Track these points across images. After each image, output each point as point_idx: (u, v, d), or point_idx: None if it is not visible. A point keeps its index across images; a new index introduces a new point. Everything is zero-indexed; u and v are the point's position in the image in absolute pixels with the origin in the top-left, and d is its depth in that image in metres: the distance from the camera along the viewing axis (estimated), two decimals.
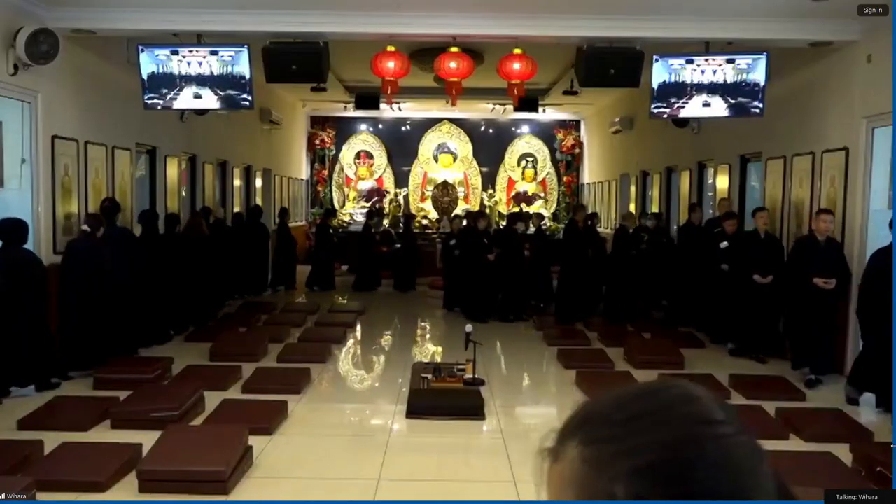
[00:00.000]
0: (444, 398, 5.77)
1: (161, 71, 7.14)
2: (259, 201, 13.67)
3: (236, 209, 12.31)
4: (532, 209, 16.92)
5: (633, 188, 13.86)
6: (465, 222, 11.10)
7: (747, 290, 7.25)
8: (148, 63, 7.13)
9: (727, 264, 7.76)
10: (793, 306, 6.71)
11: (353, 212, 16.86)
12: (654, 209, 12.06)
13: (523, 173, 17.51)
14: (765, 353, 7.30)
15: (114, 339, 6.78)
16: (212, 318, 9.17)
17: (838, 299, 6.50)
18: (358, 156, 17.42)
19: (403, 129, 17.58)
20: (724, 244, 7.95)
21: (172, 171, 9.62)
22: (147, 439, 4.47)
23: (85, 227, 6.85)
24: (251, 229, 11.88)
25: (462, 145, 17.47)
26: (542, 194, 17.55)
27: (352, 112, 15.87)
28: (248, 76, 7.15)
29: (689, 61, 7.17)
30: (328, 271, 12.75)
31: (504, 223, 13.03)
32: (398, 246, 13.38)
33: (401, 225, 13.99)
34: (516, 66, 7.79)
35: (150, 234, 8.07)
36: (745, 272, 7.29)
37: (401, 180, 17.53)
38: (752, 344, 7.41)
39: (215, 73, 7.13)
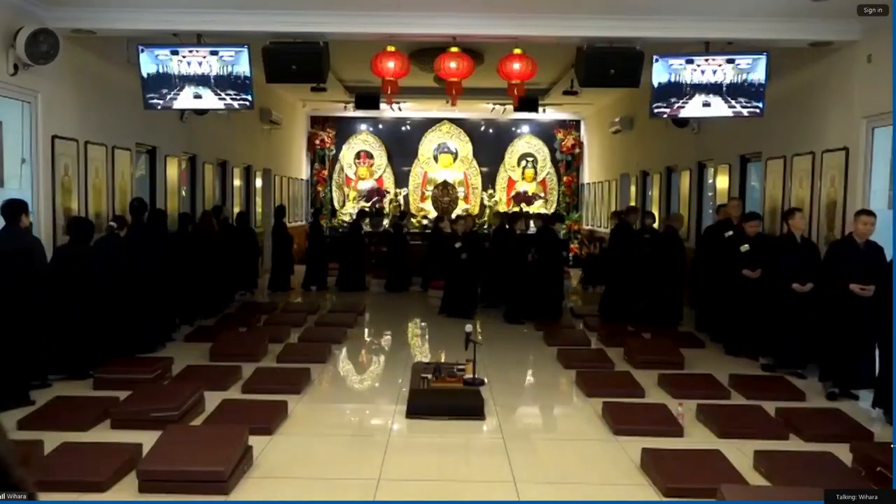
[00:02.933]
0: (444, 398, 5.76)
1: (161, 71, 7.15)
2: (259, 201, 13.68)
3: (236, 209, 12.33)
4: (532, 209, 16.94)
5: (633, 188, 13.86)
6: (472, 222, 11.20)
7: (784, 299, 6.66)
8: (148, 63, 7.15)
9: (751, 269, 7.23)
10: (827, 316, 6.14)
11: (353, 212, 16.85)
12: (655, 209, 12.05)
13: (523, 173, 17.52)
14: (802, 367, 6.70)
15: (131, 336, 7.03)
16: (220, 312, 9.67)
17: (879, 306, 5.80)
18: (358, 156, 17.43)
19: (403, 129, 17.58)
20: (746, 247, 7.38)
21: (172, 171, 9.62)
22: (147, 439, 4.46)
23: (112, 223, 7.27)
24: (277, 229, 12.40)
25: (462, 145, 17.48)
26: (542, 194, 17.56)
27: (352, 112, 15.88)
28: (248, 76, 7.16)
29: (689, 61, 7.18)
30: (359, 273, 12.71)
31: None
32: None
33: (402, 224, 13.93)
34: (516, 66, 7.79)
35: (176, 233, 8.62)
36: (783, 281, 6.66)
37: (401, 180, 17.54)
38: (791, 358, 6.77)
39: (215, 73, 7.14)
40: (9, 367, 5.43)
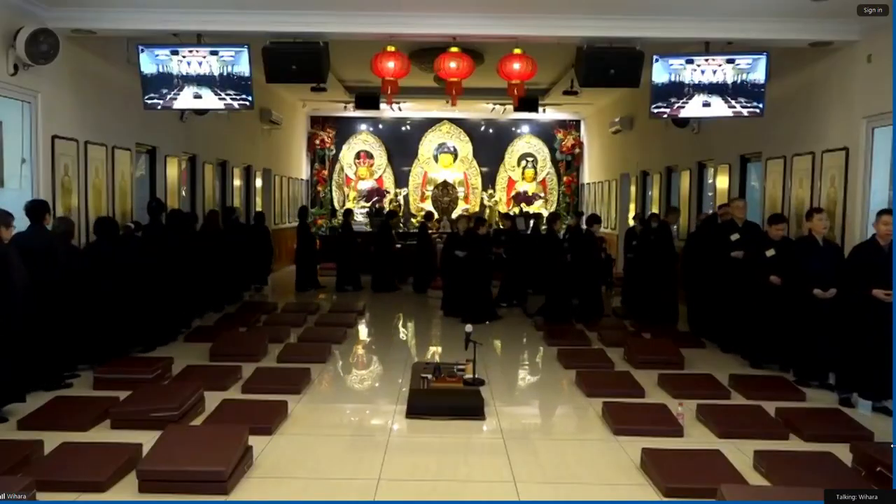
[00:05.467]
0: (444, 398, 5.76)
1: (161, 71, 7.15)
2: (259, 201, 13.68)
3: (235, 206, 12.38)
4: (532, 209, 16.95)
5: (633, 188, 13.86)
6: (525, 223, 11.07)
7: (806, 306, 6.32)
8: (148, 63, 7.15)
9: (778, 275, 6.71)
10: (848, 323, 5.80)
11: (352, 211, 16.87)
12: (654, 209, 12.05)
13: (523, 173, 17.53)
14: (825, 380, 6.37)
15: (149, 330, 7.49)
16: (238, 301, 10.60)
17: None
18: (358, 156, 17.45)
19: (403, 129, 17.59)
20: (771, 252, 6.88)
21: (172, 171, 9.62)
22: (147, 439, 4.47)
23: (130, 224, 7.70)
24: (301, 230, 12.70)
25: (462, 145, 17.49)
26: (542, 194, 17.56)
27: (352, 112, 15.89)
28: (248, 76, 7.16)
29: (689, 61, 7.18)
30: (391, 274, 12.71)
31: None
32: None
33: (428, 225, 13.84)
34: (516, 66, 7.80)
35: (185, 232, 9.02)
36: (803, 286, 6.30)
37: (401, 180, 17.55)
38: (813, 368, 6.43)
39: (215, 73, 7.14)
40: (40, 355, 5.80)
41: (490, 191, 17.55)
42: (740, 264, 7.49)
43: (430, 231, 13.55)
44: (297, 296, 11.98)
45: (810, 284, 6.23)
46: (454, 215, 16.38)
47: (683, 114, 7.45)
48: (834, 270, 6.14)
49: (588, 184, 17.09)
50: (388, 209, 15.65)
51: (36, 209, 6.10)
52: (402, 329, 9.78)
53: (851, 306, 5.77)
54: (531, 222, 15.00)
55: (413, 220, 16.54)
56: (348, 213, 13.67)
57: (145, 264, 7.34)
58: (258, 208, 13.59)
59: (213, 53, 7.12)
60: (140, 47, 7.17)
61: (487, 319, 9.47)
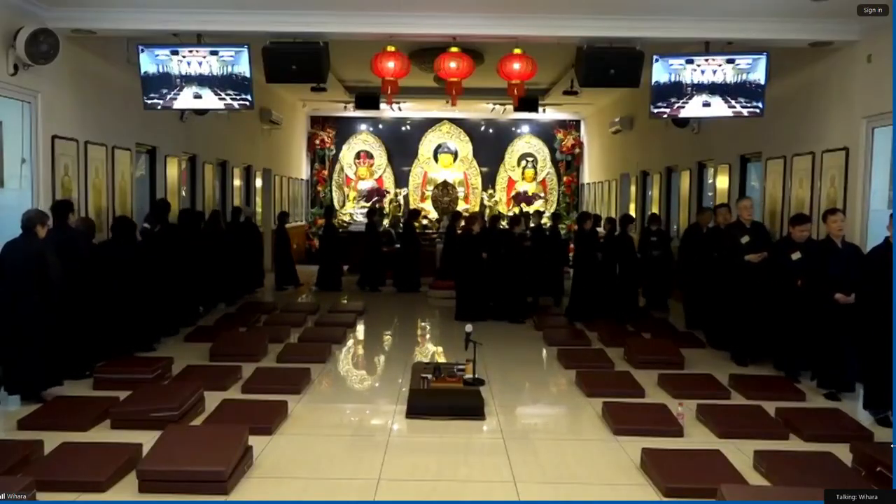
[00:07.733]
0: (444, 398, 5.76)
1: (161, 71, 7.15)
2: (259, 201, 13.69)
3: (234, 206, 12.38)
4: (532, 209, 16.94)
5: (633, 188, 13.86)
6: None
7: (826, 311, 6.04)
8: (148, 63, 7.15)
9: (802, 279, 6.39)
10: (871, 331, 5.40)
11: (352, 212, 16.88)
12: (655, 209, 12.06)
13: (523, 173, 17.54)
14: (838, 388, 6.12)
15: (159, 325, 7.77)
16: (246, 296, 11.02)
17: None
18: (358, 156, 17.46)
19: (403, 129, 17.60)
20: (797, 255, 6.53)
21: (172, 171, 9.63)
22: (147, 439, 4.47)
23: (146, 224, 7.83)
24: (326, 231, 12.94)
25: (462, 145, 17.50)
26: (542, 194, 17.57)
27: (352, 112, 15.91)
28: (248, 76, 7.16)
29: (689, 61, 7.18)
30: (415, 274, 12.68)
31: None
32: (398, 246, 13.33)
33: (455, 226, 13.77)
34: (516, 66, 7.80)
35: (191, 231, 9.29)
36: (824, 290, 6.02)
37: (401, 180, 17.56)
38: (829, 376, 6.19)
39: (215, 73, 7.15)
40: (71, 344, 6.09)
41: (490, 191, 17.56)
42: (756, 268, 7.06)
43: (429, 231, 13.54)
44: (318, 294, 11.99)
45: (832, 289, 5.96)
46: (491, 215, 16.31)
47: (683, 114, 7.46)
48: (854, 273, 5.81)
49: (588, 184, 17.10)
50: (412, 209, 15.60)
51: (59, 209, 6.36)
52: (401, 329, 9.76)
53: (870, 313, 5.41)
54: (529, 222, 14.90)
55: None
56: (372, 213, 13.33)
57: (149, 264, 7.39)
58: (259, 208, 13.63)
59: (213, 53, 7.12)
60: (140, 47, 7.17)
61: (524, 318, 9.51)
